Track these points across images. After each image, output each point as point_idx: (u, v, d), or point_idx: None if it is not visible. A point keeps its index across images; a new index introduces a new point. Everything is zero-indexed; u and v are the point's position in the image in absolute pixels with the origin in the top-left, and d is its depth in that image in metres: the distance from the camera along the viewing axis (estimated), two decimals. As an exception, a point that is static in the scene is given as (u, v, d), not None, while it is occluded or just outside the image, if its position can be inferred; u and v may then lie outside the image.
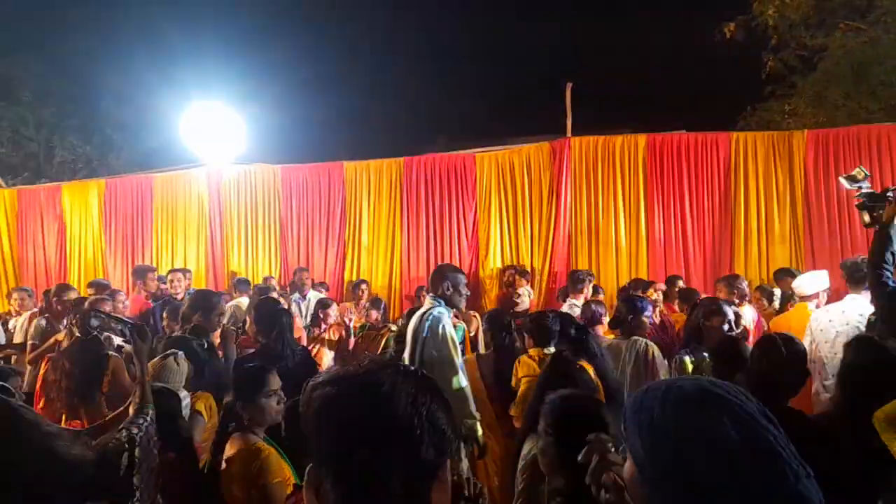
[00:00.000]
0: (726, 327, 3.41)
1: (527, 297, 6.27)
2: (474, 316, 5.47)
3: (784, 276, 5.54)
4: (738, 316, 3.69)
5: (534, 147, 7.38)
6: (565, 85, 7.33)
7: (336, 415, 0.92)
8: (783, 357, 2.46)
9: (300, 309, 6.00)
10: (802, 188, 6.76)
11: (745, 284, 5.18)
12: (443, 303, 3.52)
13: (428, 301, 3.61)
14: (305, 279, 6.37)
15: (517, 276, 6.49)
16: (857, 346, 2.56)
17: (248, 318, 4.87)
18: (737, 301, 4.80)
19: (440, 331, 3.39)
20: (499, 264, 7.21)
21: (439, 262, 7.02)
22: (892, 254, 2.95)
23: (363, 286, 6.73)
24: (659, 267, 6.93)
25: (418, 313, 3.59)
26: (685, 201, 7.03)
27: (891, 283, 2.94)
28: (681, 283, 6.13)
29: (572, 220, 7.15)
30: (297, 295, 6.24)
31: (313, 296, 6.09)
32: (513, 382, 3.60)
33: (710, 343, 3.35)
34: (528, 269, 6.95)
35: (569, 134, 7.28)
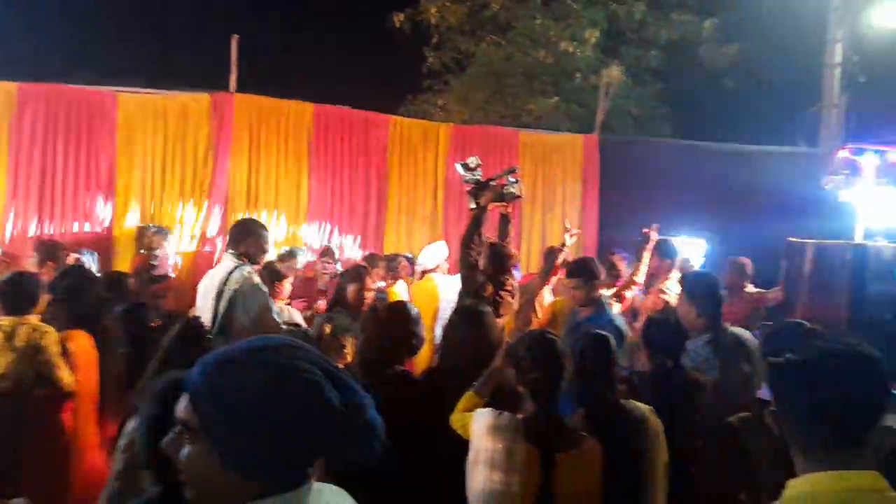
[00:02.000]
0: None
1: (166, 260, 5.71)
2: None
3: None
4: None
5: (191, 97, 6.74)
6: (231, 36, 6.88)
7: None
8: (384, 322, 2.72)
9: None
10: (444, 175, 7.61)
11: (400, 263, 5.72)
12: (247, 262, 3.22)
13: (229, 259, 3.23)
14: None
15: (155, 237, 5.85)
16: (456, 312, 2.93)
17: None
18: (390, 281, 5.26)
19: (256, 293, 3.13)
20: (139, 223, 6.39)
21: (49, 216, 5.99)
22: (479, 236, 3.46)
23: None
24: (314, 238, 7.07)
25: (220, 272, 3.18)
26: (345, 176, 7.29)
27: (476, 260, 3.45)
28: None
29: (230, 182, 6.78)
30: None
31: None
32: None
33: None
34: (172, 230, 6.34)
35: (233, 89, 6.84)
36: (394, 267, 5.64)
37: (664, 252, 5.27)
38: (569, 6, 10.42)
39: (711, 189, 8.02)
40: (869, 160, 7.20)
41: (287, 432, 0.94)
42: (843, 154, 7.49)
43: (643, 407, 2.45)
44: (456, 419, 2.38)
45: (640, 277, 4.68)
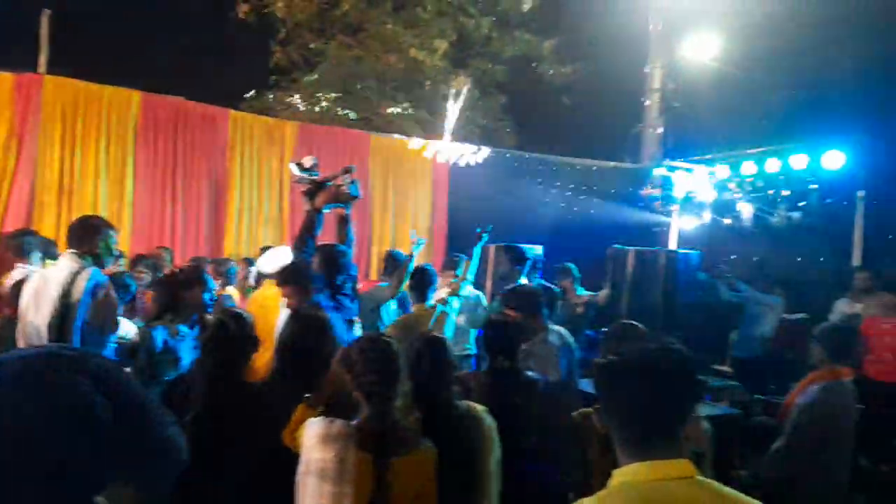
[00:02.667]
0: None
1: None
2: None
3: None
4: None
5: (-10, 75, 5.85)
6: (42, 11, 6.09)
7: None
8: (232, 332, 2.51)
9: None
10: (290, 175, 7.31)
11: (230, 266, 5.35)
12: (91, 262, 2.91)
13: (71, 259, 2.85)
14: None
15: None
16: (291, 319, 2.77)
17: None
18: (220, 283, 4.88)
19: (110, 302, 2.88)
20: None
21: None
22: (313, 238, 3.32)
23: None
24: (142, 237, 6.44)
25: (60, 274, 2.78)
26: (179, 171, 6.74)
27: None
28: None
29: (38, 173, 5.97)
30: None
31: None
32: None
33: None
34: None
35: (42, 70, 6.05)
36: (222, 272, 5.29)
37: (515, 257, 5.51)
38: (419, 15, 10.56)
39: (549, 198, 8.55)
40: (681, 176, 8.10)
41: (43, 449, 0.79)
42: (659, 170, 8.38)
43: (478, 407, 2.47)
44: (287, 434, 2.24)
45: (470, 275, 4.82)
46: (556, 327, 3.52)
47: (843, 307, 6.05)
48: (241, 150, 7.11)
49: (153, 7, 10.19)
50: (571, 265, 6.01)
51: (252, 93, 10.89)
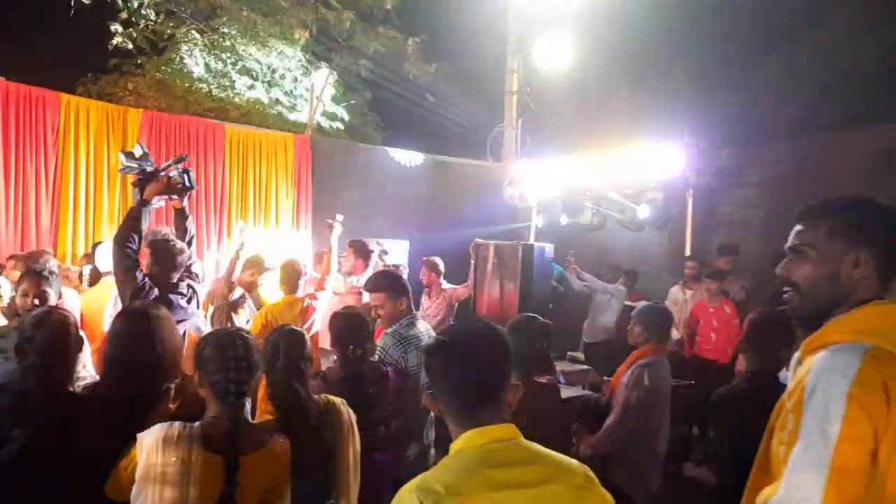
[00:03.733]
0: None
1: None
2: None
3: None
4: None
5: None
6: None
7: None
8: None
9: None
10: (134, 166, 6.73)
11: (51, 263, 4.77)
12: None
13: None
14: None
15: None
16: (118, 317, 2.54)
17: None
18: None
19: None
20: None
21: None
22: (138, 233, 3.06)
23: None
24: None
25: None
26: (9, 160, 5.98)
27: (136, 262, 3.04)
28: None
29: None
30: None
31: None
32: None
33: None
34: None
35: None
36: (39, 270, 4.74)
37: (360, 252, 5.54)
38: (278, 3, 10.16)
39: (415, 194, 8.62)
40: (537, 173, 8.52)
41: None
42: (517, 168, 8.77)
43: (336, 400, 2.42)
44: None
45: (334, 267, 4.81)
46: (421, 321, 3.54)
47: (675, 293, 6.70)
48: (75, 138, 6.43)
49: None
50: (436, 259, 6.10)
51: (89, 76, 9.87)
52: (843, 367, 1.28)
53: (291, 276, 4.49)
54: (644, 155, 7.16)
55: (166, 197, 3.29)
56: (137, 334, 2.23)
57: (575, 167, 8.18)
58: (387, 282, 3.34)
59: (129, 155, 3.19)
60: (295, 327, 2.58)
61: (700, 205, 7.25)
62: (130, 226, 3.04)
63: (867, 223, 1.42)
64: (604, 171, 7.70)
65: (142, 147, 3.27)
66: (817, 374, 1.31)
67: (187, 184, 3.27)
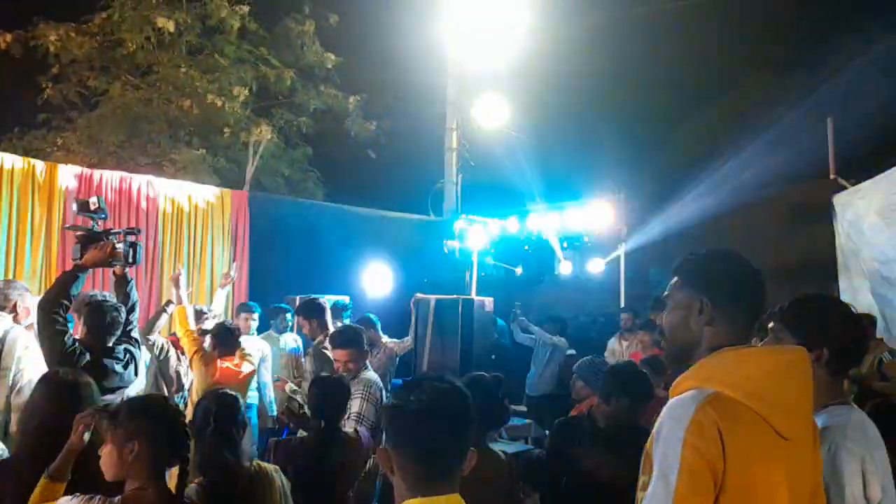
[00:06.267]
0: None
1: None
2: None
3: None
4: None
5: None
6: None
7: None
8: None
9: None
10: (60, 224, 6.46)
11: None
12: None
13: None
14: None
15: None
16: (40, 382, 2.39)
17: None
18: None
19: None
20: None
21: None
22: (69, 298, 2.90)
23: None
24: None
25: None
26: None
27: (65, 326, 2.88)
28: None
29: None
30: None
31: None
32: None
33: None
34: None
35: None
36: None
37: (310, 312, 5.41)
38: (216, 61, 10.17)
39: (356, 249, 8.58)
40: (477, 228, 8.68)
41: None
42: (458, 223, 8.91)
43: (268, 467, 2.34)
44: None
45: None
46: (373, 374, 3.51)
47: (612, 345, 6.85)
48: (-1, 194, 6.14)
49: None
50: (371, 316, 6.06)
51: (15, 130, 9.52)
52: (679, 415, 1.35)
53: (227, 340, 4.32)
54: (579, 208, 7.43)
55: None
56: (56, 403, 2.10)
57: (512, 221, 8.38)
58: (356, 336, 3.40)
59: (83, 205, 3.08)
60: (228, 391, 2.49)
61: (631, 258, 7.53)
62: (61, 290, 2.87)
63: (710, 273, 1.53)
64: (542, 223, 7.92)
65: (99, 200, 3.15)
66: (661, 421, 1.40)
67: (131, 259, 3.13)
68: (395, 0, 10.21)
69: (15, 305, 3.62)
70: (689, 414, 1.33)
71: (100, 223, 3.20)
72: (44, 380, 2.29)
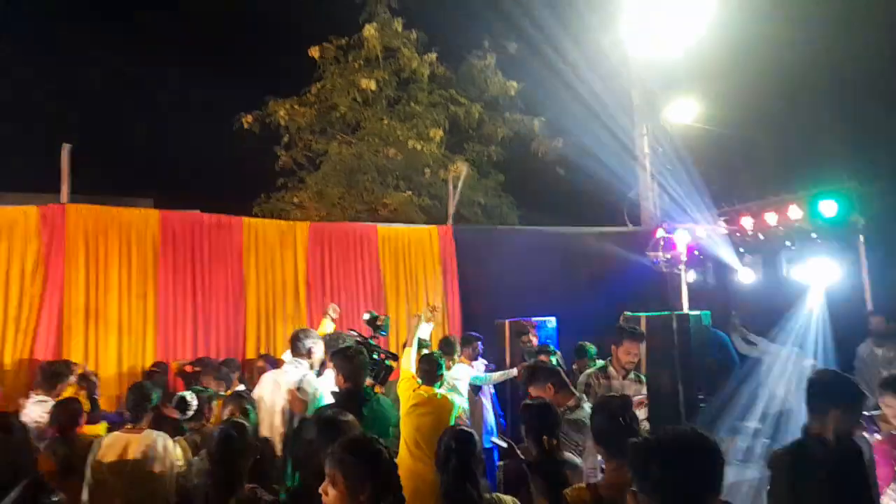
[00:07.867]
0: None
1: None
2: None
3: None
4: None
5: (19, 210, 6.21)
6: (62, 145, 6.51)
7: None
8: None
9: None
10: (304, 272, 7.55)
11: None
12: None
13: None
14: None
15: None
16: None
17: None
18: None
19: None
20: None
21: None
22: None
23: None
24: (169, 347, 6.63)
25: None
26: (198, 281, 6.98)
27: None
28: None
29: (65, 297, 6.22)
30: None
31: None
32: None
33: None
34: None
35: (65, 200, 6.42)
36: (225, 375, 5.66)
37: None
38: (413, 108, 11.15)
39: (556, 269, 8.65)
40: (681, 236, 8.28)
41: None
42: (660, 232, 8.56)
43: (506, 498, 2.54)
44: None
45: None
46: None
47: (863, 352, 6.10)
48: (255, 253, 7.36)
49: (163, 130, 10.80)
50: (588, 345, 6.06)
51: (261, 196, 11.39)
52: None
53: (431, 370, 4.38)
54: (804, 199, 6.74)
55: None
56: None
57: (720, 225, 7.86)
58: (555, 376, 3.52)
59: (373, 319, 3.86)
60: (465, 428, 2.74)
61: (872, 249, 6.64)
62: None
63: None
64: (754, 226, 7.33)
65: (385, 320, 4.00)
66: None
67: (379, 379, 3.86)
68: (570, 12, 10.23)
69: (310, 352, 4.38)
70: None
71: (379, 338, 3.92)
72: (309, 420, 2.74)
